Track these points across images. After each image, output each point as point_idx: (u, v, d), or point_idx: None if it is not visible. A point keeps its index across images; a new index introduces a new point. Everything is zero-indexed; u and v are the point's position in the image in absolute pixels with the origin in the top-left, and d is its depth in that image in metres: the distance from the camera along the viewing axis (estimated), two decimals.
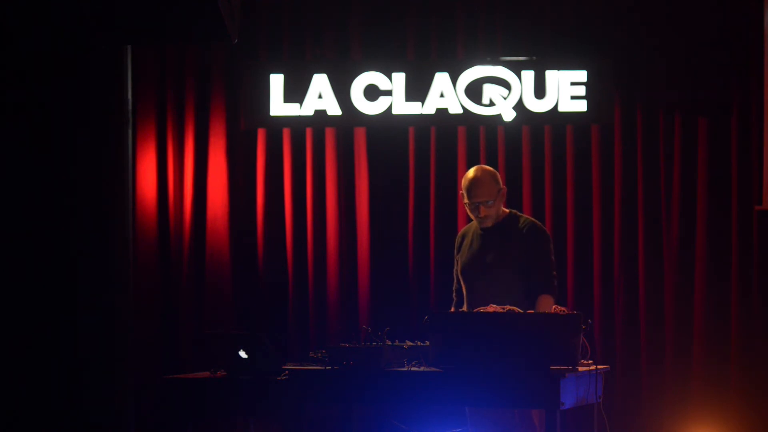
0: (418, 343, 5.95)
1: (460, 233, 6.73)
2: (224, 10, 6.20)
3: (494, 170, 6.57)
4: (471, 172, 6.52)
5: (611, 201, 8.02)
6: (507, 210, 6.56)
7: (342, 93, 8.18)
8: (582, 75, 7.99)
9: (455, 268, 6.66)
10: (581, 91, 7.99)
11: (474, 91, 8.07)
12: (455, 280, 6.68)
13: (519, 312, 5.84)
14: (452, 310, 6.64)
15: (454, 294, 6.70)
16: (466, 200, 6.47)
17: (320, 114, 8.22)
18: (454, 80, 8.09)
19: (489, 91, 8.06)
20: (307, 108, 8.22)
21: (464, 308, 6.53)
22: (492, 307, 5.89)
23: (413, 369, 5.76)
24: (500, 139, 8.14)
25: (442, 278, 8.15)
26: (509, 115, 8.05)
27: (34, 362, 8.12)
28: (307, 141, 8.34)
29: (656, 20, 7.97)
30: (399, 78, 8.15)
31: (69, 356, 8.18)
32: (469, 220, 8.08)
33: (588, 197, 8.05)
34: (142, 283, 8.39)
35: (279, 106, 8.25)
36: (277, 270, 8.34)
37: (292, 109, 8.24)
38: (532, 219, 6.60)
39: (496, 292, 6.28)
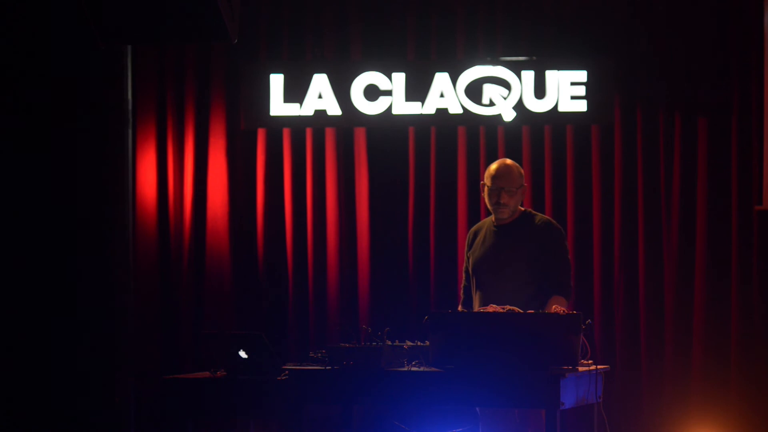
0: (418, 343, 5.94)
1: (472, 230, 6.65)
2: (224, 10, 6.20)
3: (520, 168, 6.52)
4: (498, 161, 6.53)
5: (611, 201, 8.02)
6: (522, 208, 6.51)
7: (342, 93, 8.18)
8: (582, 75, 7.99)
9: (465, 264, 6.59)
10: (581, 91, 7.99)
11: (474, 91, 8.07)
12: (464, 278, 6.61)
13: (519, 312, 5.83)
14: (459, 308, 6.61)
15: (461, 291, 6.63)
16: (488, 184, 6.40)
17: (320, 114, 8.22)
18: (454, 80, 8.09)
19: (489, 91, 8.06)
20: (307, 108, 8.22)
21: (474, 305, 6.46)
22: (492, 307, 5.89)
23: (413, 369, 5.76)
24: (500, 139, 8.14)
25: (442, 278, 8.16)
26: (509, 115, 8.05)
27: (35, 362, 8.13)
28: (307, 141, 8.34)
29: (656, 20, 7.97)
30: (399, 78, 8.15)
31: (69, 356, 8.19)
32: (470, 218, 8.10)
33: (588, 197, 8.05)
34: (142, 283, 8.39)
35: (279, 106, 8.25)
36: (276, 273, 8.35)
37: (292, 109, 8.25)
38: (548, 217, 6.56)
39: (507, 289, 6.25)
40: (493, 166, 6.46)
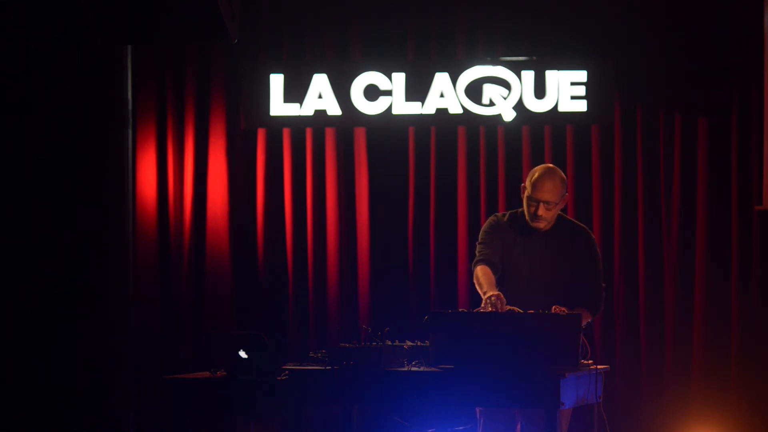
0: (418, 343, 5.94)
1: (497, 217, 6.38)
2: (224, 10, 6.20)
3: (564, 174, 6.32)
4: (543, 168, 6.27)
5: (611, 201, 8.02)
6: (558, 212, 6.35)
7: (342, 93, 8.18)
8: (582, 75, 7.99)
9: (487, 248, 6.29)
10: (581, 91, 7.99)
11: (474, 91, 8.07)
12: (484, 253, 6.29)
13: (519, 312, 5.83)
14: (481, 267, 6.21)
15: (482, 262, 6.27)
16: (528, 192, 6.20)
17: (320, 114, 8.22)
18: (454, 80, 8.09)
19: (489, 91, 8.06)
20: (307, 108, 8.22)
21: (494, 291, 6.08)
22: (491, 308, 5.88)
23: (413, 369, 5.76)
24: (500, 139, 8.14)
25: (442, 278, 8.16)
26: (509, 115, 8.05)
27: (35, 362, 8.13)
28: (307, 141, 8.34)
29: (656, 20, 7.97)
30: (399, 78, 8.15)
31: (69, 356, 8.19)
32: (470, 218, 8.10)
33: (588, 197, 8.05)
34: (142, 283, 8.39)
35: (279, 106, 8.25)
36: (276, 274, 8.35)
37: (292, 109, 8.25)
38: (583, 225, 6.40)
39: (542, 295, 6.13)
40: (536, 174, 6.23)
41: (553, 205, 6.21)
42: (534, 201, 6.21)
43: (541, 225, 6.26)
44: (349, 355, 5.79)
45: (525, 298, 6.14)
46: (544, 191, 6.20)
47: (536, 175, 6.25)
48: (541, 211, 6.20)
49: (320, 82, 8.21)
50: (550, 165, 6.40)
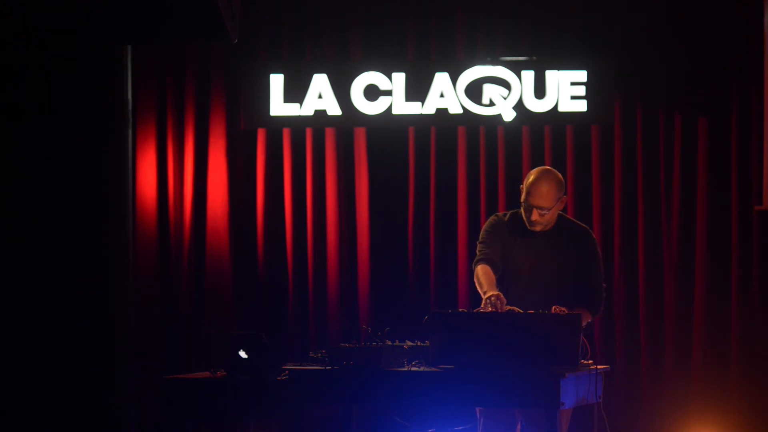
0: (418, 343, 5.94)
1: (498, 217, 6.36)
2: (224, 10, 6.20)
3: (561, 177, 6.25)
4: (538, 172, 6.22)
5: (611, 201, 8.03)
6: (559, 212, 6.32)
7: (342, 93, 8.18)
8: (582, 75, 7.99)
9: (488, 247, 6.27)
10: (581, 91, 7.99)
11: (474, 91, 8.07)
12: (485, 252, 6.28)
13: (519, 312, 5.83)
14: (481, 266, 6.20)
15: (482, 261, 6.24)
16: (523, 197, 6.18)
17: (320, 114, 8.22)
18: (454, 80, 8.09)
19: (489, 91, 8.07)
20: (307, 108, 8.22)
21: (495, 291, 6.06)
22: (491, 308, 5.88)
23: (413, 369, 5.76)
24: (500, 139, 8.14)
25: (442, 278, 8.16)
26: (509, 115, 8.05)
27: (35, 362, 8.13)
28: (307, 141, 8.35)
29: (656, 20, 7.98)
30: (399, 78, 8.15)
31: (69, 356, 8.19)
32: (470, 218, 8.10)
33: (588, 197, 8.05)
34: (142, 283, 8.39)
35: (279, 106, 8.26)
36: (276, 273, 8.34)
37: (292, 109, 8.25)
38: (584, 225, 6.39)
39: (542, 295, 6.12)
40: (531, 178, 6.19)
41: (547, 210, 6.18)
42: (529, 206, 6.19)
43: (538, 228, 6.24)
44: (349, 355, 5.79)
45: (525, 298, 6.14)
46: (538, 197, 6.16)
47: (531, 179, 6.21)
48: (535, 216, 6.17)
49: (320, 82, 8.21)
50: (547, 168, 6.36)
